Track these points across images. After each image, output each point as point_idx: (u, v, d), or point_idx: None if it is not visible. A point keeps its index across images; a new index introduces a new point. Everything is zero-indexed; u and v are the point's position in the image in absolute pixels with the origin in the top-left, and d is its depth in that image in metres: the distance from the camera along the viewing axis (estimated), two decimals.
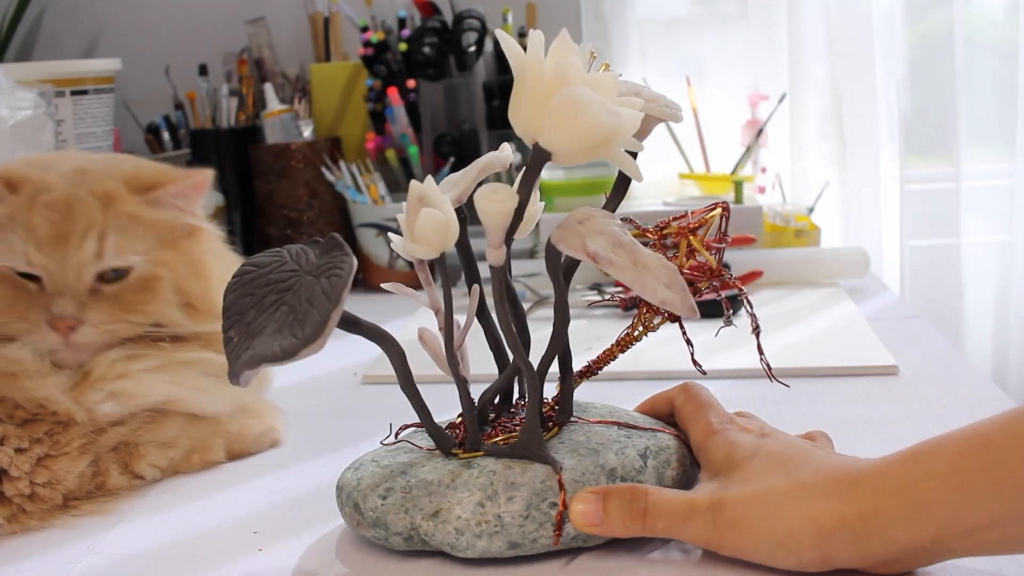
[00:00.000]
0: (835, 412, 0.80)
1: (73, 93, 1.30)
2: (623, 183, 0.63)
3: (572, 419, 0.66)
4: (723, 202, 0.63)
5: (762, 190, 1.49)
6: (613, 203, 0.63)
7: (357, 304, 1.23)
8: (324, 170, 1.37)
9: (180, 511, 0.71)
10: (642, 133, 0.61)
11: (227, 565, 0.62)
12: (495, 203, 0.56)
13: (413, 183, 0.58)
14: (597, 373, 0.69)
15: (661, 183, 1.55)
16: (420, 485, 0.60)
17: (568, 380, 0.65)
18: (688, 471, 0.63)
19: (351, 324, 0.59)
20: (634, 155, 0.61)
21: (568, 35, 0.55)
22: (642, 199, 1.49)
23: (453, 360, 0.62)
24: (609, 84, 0.55)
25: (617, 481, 0.60)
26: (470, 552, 0.58)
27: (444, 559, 0.60)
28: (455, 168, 1.31)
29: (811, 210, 1.42)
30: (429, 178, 0.58)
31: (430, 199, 0.57)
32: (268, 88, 1.46)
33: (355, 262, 0.56)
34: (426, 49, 1.37)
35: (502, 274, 0.60)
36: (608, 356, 0.68)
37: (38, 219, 0.73)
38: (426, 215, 0.57)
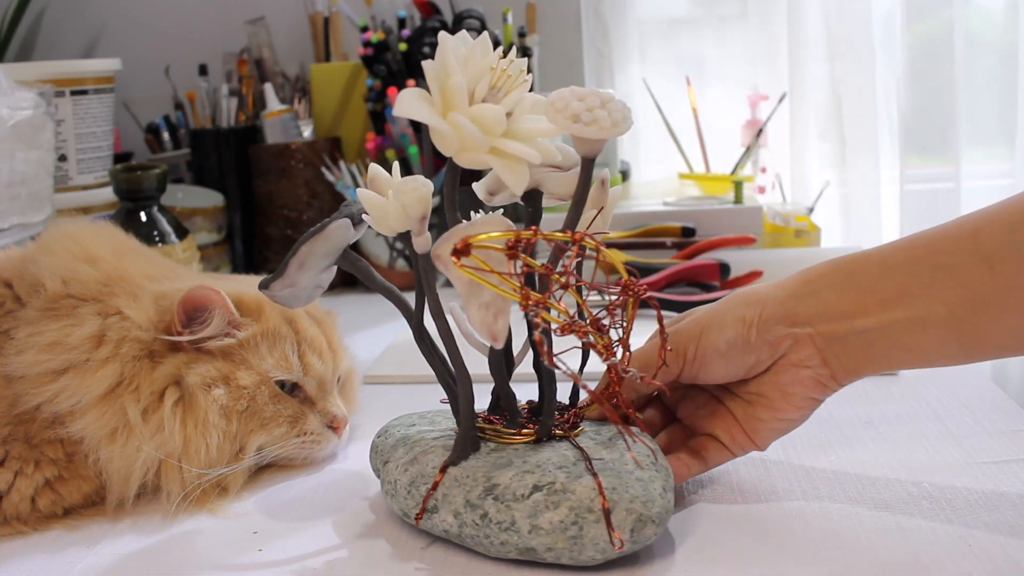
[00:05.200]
0: (835, 412, 0.80)
1: (73, 93, 1.30)
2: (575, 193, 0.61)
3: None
4: (576, 231, 0.58)
5: (762, 190, 1.49)
6: (572, 216, 0.61)
7: (357, 304, 1.24)
8: (324, 170, 1.37)
9: (182, 512, 0.70)
10: (590, 150, 0.59)
11: (227, 565, 0.62)
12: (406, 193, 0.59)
13: (372, 166, 0.64)
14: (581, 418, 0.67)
15: (661, 183, 1.55)
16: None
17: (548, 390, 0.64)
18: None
19: (367, 278, 0.64)
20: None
21: (450, 46, 0.56)
22: (642, 199, 1.49)
23: (455, 355, 0.63)
24: (454, 92, 0.56)
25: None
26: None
27: (473, 555, 0.61)
28: None
29: (811, 210, 1.42)
30: (395, 167, 0.62)
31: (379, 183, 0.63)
32: (268, 88, 1.46)
33: (342, 223, 0.61)
34: (426, 49, 1.37)
35: (426, 262, 0.60)
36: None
37: (312, 331, 0.77)
38: (361, 195, 0.62)
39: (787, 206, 1.42)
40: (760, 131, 1.48)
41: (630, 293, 0.59)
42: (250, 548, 0.64)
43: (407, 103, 0.55)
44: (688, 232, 1.27)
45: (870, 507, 0.64)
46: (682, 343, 0.65)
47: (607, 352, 0.58)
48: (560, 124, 0.56)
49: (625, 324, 0.60)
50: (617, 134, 0.57)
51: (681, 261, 1.18)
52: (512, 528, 0.58)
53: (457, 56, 0.56)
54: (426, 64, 0.56)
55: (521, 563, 0.59)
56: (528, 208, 0.64)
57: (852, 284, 0.62)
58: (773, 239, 1.31)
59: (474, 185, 0.64)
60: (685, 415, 0.70)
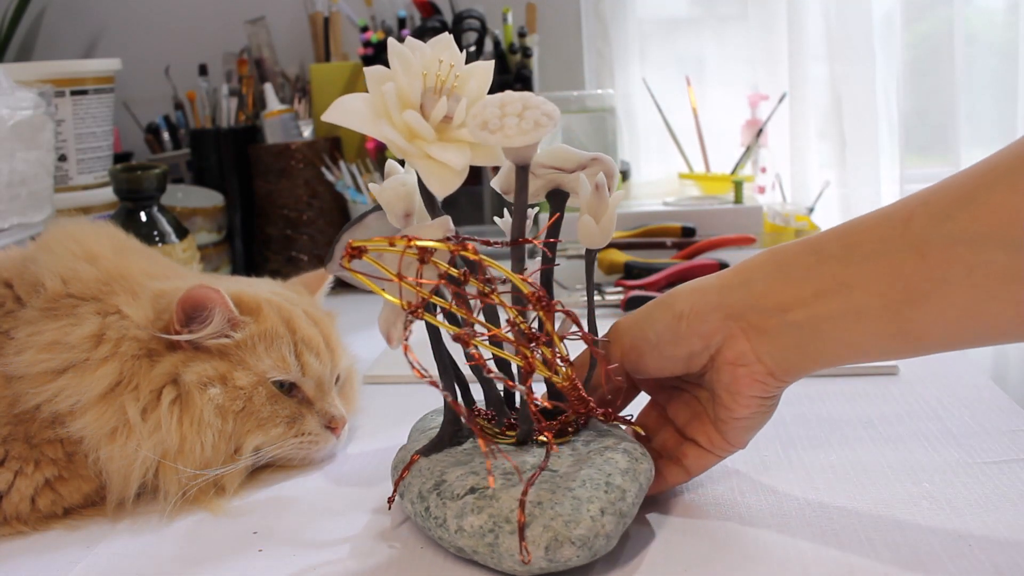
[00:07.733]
0: (835, 412, 0.80)
1: (73, 93, 1.30)
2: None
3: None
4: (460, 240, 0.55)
5: (762, 190, 1.49)
6: (515, 223, 0.60)
7: (357, 303, 1.24)
8: (324, 170, 1.37)
9: (180, 511, 0.71)
10: (515, 157, 0.59)
11: (227, 565, 0.62)
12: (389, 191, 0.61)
13: (389, 161, 0.64)
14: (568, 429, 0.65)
15: (661, 183, 1.55)
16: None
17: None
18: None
19: None
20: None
21: (395, 52, 0.56)
22: (642, 199, 1.50)
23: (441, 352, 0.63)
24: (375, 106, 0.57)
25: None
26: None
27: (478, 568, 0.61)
28: None
29: (811, 210, 1.42)
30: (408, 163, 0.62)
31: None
32: (268, 88, 1.46)
33: (380, 213, 0.62)
34: None
35: None
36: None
37: (310, 331, 0.77)
38: (373, 189, 0.62)
39: (787, 206, 1.42)
40: (760, 131, 1.48)
41: (539, 307, 0.56)
42: (250, 548, 0.64)
43: (339, 110, 0.55)
44: (688, 232, 1.27)
45: (870, 507, 0.64)
46: (618, 333, 0.64)
47: (526, 363, 0.56)
48: (472, 131, 0.55)
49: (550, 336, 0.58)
50: (526, 142, 0.55)
51: (681, 261, 1.18)
52: (443, 526, 0.59)
53: (402, 62, 0.56)
54: (367, 70, 0.56)
55: None
56: (553, 207, 0.64)
57: (783, 274, 0.58)
58: (773, 239, 1.31)
59: (492, 182, 0.64)
60: (673, 416, 0.67)
